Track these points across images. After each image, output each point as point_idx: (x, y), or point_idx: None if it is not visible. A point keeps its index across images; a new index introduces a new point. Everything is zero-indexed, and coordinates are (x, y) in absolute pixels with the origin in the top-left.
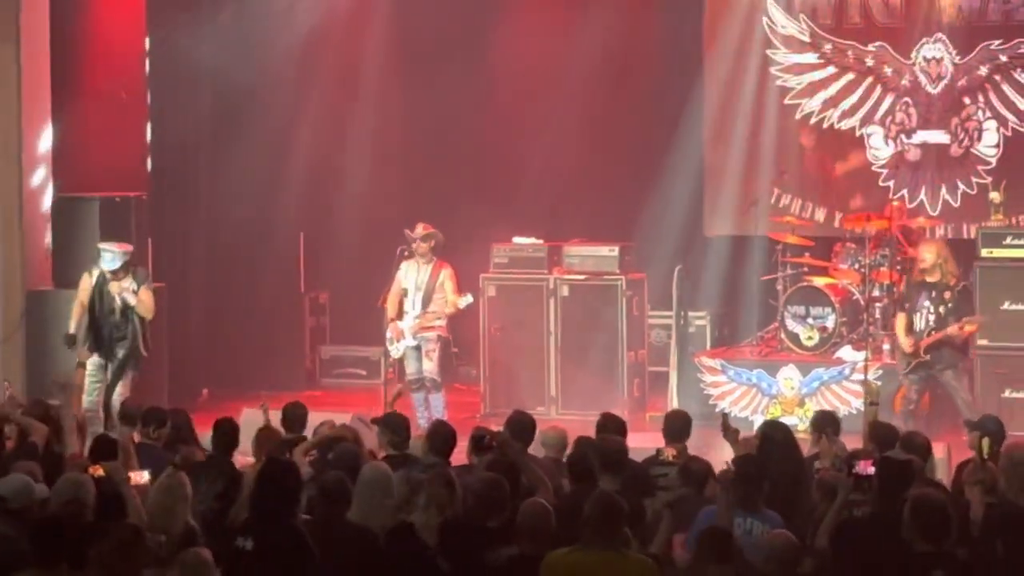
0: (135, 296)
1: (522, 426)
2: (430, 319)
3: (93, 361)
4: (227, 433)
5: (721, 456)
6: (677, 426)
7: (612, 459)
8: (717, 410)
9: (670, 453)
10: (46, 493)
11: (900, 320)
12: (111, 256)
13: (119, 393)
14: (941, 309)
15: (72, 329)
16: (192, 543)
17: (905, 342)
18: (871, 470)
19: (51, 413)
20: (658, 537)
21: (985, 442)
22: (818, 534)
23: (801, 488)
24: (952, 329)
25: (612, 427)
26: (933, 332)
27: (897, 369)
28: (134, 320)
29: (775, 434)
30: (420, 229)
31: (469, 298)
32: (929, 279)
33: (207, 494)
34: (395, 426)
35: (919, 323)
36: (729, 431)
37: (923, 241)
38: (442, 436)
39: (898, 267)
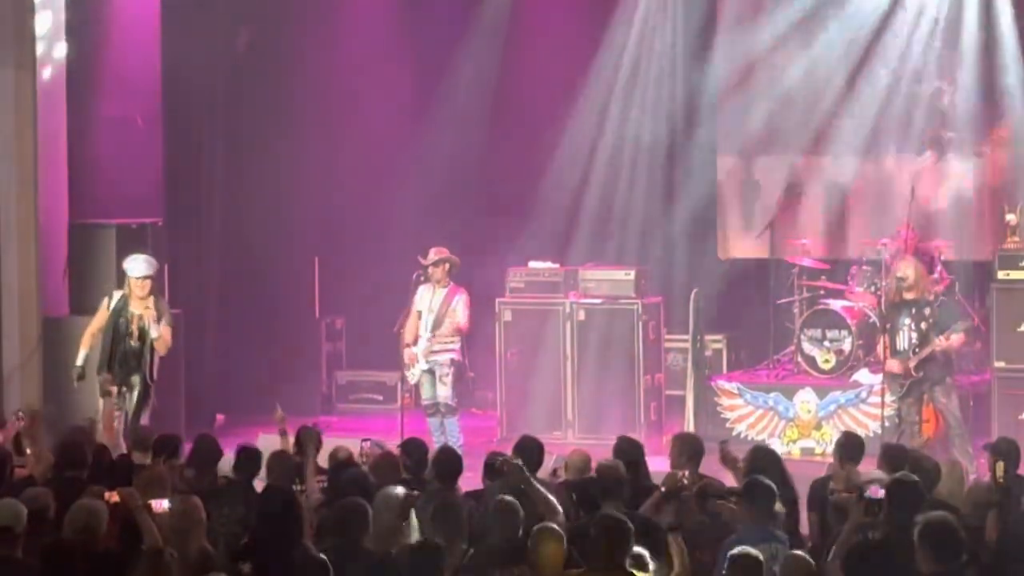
0: (156, 326)
1: (531, 451)
2: (441, 342)
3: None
4: (249, 458)
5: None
6: (687, 449)
7: (610, 487)
8: (734, 434)
9: (682, 476)
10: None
11: (885, 344)
12: (134, 264)
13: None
14: (923, 325)
15: (79, 361)
16: (208, 567)
17: (893, 364)
18: (881, 493)
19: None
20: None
21: (999, 465)
22: (830, 558)
23: (790, 512)
24: (937, 343)
25: (627, 450)
26: (918, 350)
27: (891, 393)
28: (149, 346)
29: (759, 457)
30: (432, 254)
31: (464, 321)
32: (909, 296)
33: (229, 519)
34: (411, 451)
35: (902, 342)
36: (728, 459)
37: (899, 259)
38: (446, 462)
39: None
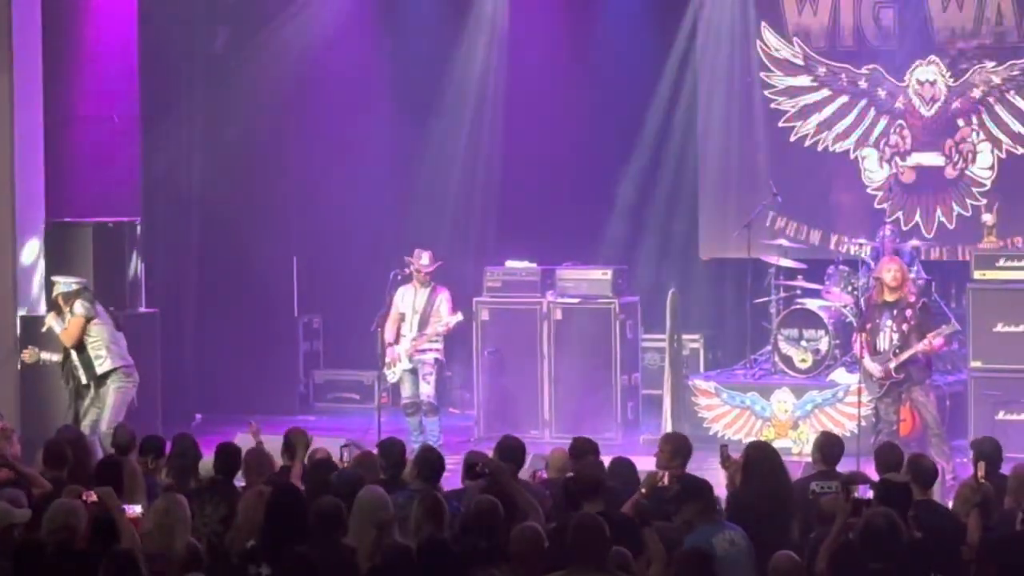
0: (59, 322)
1: (512, 451)
2: (426, 341)
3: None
4: (229, 457)
5: (717, 478)
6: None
7: (589, 486)
8: (711, 433)
9: (661, 476)
10: (27, 517)
11: (862, 344)
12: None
13: (106, 419)
14: (904, 327)
15: (46, 355)
16: (197, 566)
17: (872, 367)
18: (870, 494)
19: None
20: (653, 568)
21: (980, 465)
22: (817, 558)
23: (783, 508)
24: (920, 345)
25: (588, 450)
26: (898, 351)
27: (868, 393)
28: (67, 352)
29: (756, 455)
30: (426, 259)
31: (459, 316)
32: (890, 298)
33: (211, 518)
34: (388, 452)
35: (883, 343)
36: (729, 462)
37: (885, 261)
38: (429, 462)
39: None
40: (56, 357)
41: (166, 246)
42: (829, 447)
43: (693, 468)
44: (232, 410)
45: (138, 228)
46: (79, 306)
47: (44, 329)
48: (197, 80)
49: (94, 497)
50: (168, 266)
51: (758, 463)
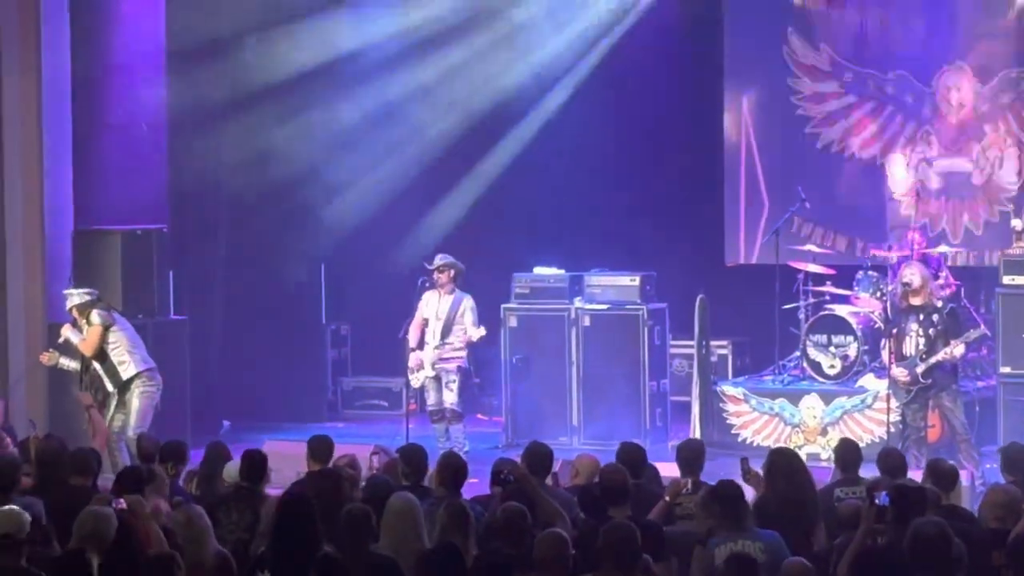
0: (75, 334)
1: (539, 457)
2: (449, 350)
3: None
4: (257, 464)
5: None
6: (690, 457)
7: (614, 492)
8: (739, 440)
9: (683, 485)
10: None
11: (890, 350)
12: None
13: (132, 425)
14: (931, 332)
15: (69, 362)
16: (227, 569)
17: (899, 373)
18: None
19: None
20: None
21: None
22: (840, 564)
23: (807, 512)
24: (941, 354)
25: (630, 454)
26: (924, 356)
27: (896, 399)
28: (88, 361)
29: (779, 460)
30: (438, 259)
31: (482, 331)
32: (915, 302)
33: (238, 525)
34: (410, 458)
35: (909, 348)
36: (750, 475)
37: (905, 265)
38: (452, 469)
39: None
40: (74, 364)
41: (194, 253)
42: (846, 453)
43: (720, 474)
44: (260, 417)
45: (167, 236)
46: (96, 316)
47: (61, 340)
48: (224, 87)
49: (123, 504)
50: (196, 273)
51: (781, 469)
